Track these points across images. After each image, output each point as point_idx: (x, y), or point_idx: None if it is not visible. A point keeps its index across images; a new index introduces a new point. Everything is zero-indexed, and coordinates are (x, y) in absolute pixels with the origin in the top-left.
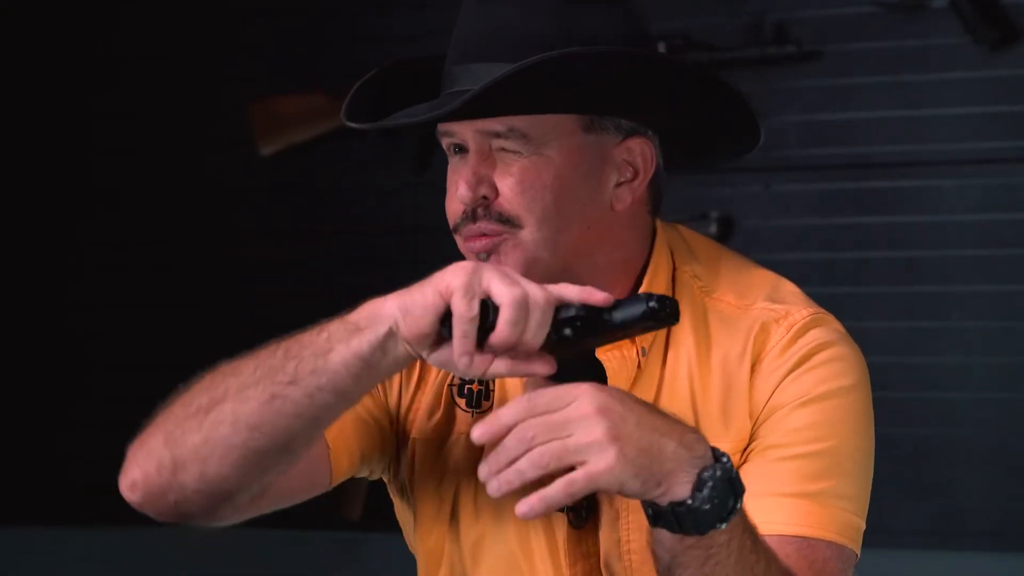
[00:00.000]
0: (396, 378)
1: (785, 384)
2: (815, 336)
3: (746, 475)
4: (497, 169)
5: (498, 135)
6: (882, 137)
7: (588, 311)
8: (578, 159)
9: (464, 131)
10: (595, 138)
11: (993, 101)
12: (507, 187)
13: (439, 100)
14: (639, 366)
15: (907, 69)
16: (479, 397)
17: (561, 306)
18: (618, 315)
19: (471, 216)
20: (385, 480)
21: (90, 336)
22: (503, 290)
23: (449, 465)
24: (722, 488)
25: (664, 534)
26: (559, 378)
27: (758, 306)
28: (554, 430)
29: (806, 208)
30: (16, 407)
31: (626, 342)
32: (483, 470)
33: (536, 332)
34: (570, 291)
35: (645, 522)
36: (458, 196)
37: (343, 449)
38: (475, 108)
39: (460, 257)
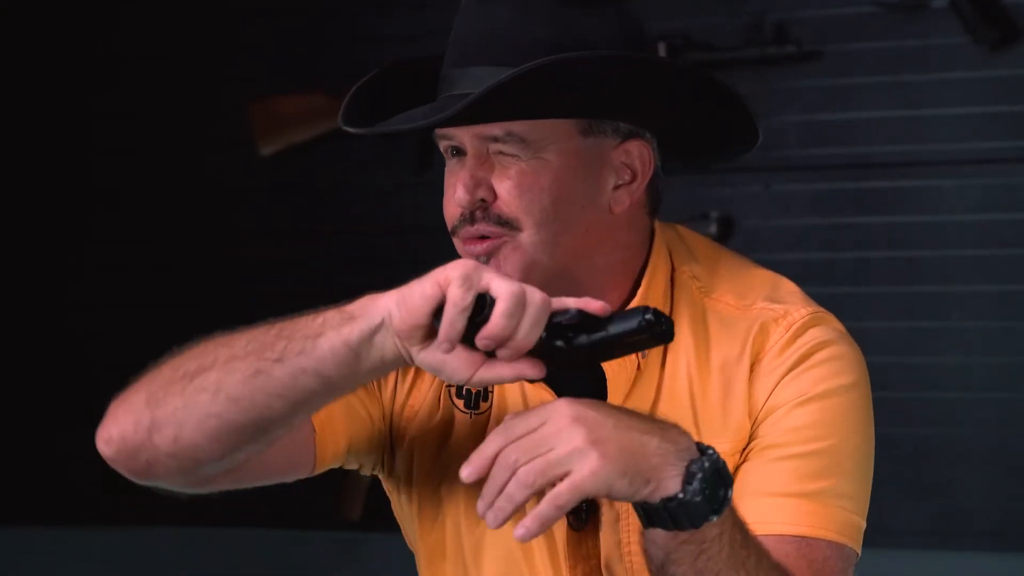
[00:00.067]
0: (392, 374)
1: (784, 383)
2: (814, 335)
3: (745, 475)
4: (495, 172)
5: (496, 139)
6: (882, 137)
7: (583, 318)
8: (576, 162)
9: (462, 135)
10: (593, 141)
11: (993, 101)
12: (505, 190)
13: (437, 103)
14: (638, 367)
15: (907, 69)
16: (477, 398)
17: (557, 312)
18: (613, 327)
19: (469, 219)
20: (380, 477)
21: (90, 336)
22: (502, 284)
23: (449, 467)
24: (712, 478)
25: (657, 532)
26: (559, 390)
27: (757, 306)
28: (534, 449)
29: (806, 208)
30: (16, 407)
31: None
32: (480, 506)
33: (529, 330)
34: (568, 301)
35: None
36: (455, 199)
37: (329, 436)
38: (473, 113)
39: (460, 257)
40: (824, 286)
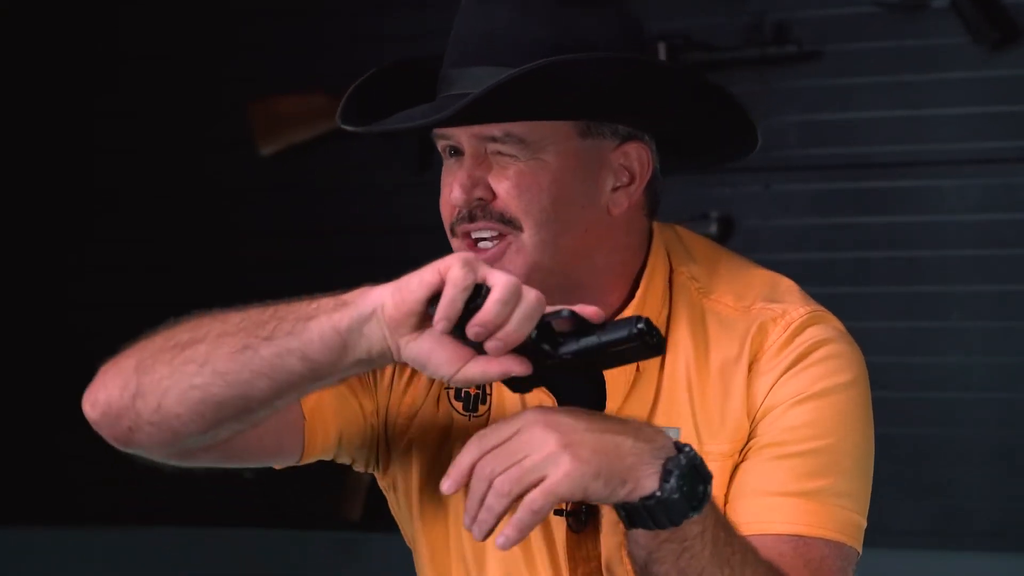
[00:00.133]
0: (388, 371)
1: (782, 382)
2: (812, 334)
3: (743, 474)
4: (493, 172)
5: (494, 139)
6: (882, 137)
7: (576, 321)
8: (575, 164)
9: (459, 134)
10: (592, 143)
11: (993, 101)
12: (504, 190)
13: (435, 103)
14: (637, 368)
15: (907, 69)
16: (476, 401)
17: (550, 313)
18: (604, 334)
19: (468, 217)
20: (376, 475)
21: (90, 336)
22: (499, 274)
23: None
24: (689, 475)
25: (639, 532)
26: (557, 393)
27: (756, 307)
28: (509, 458)
29: (806, 208)
30: (16, 407)
31: None
32: (465, 519)
33: (520, 323)
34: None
35: None
36: (452, 199)
37: (319, 424)
38: (472, 113)
39: None
40: (824, 286)
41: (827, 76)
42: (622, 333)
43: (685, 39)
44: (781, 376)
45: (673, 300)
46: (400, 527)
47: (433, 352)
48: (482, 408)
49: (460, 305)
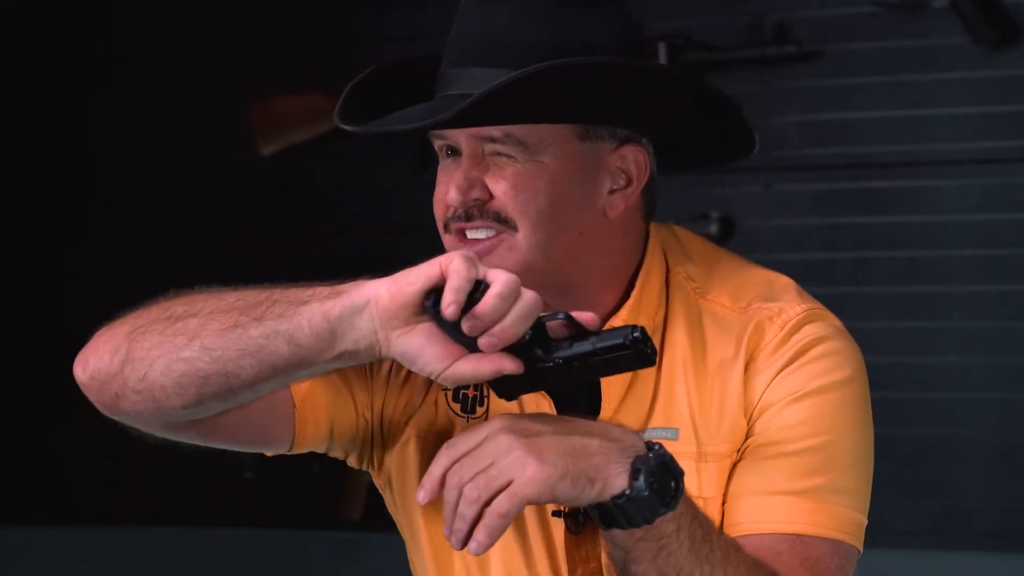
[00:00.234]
0: (385, 366)
1: (778, 380)
2: (809, 332)
3: (740, 473)
4: (490, 173)
5: (493, 139)
6: (882, 137)
7: (572, 325)
8: (572, 166)
9: (458, 135)
10: (590, 146)
11: (993, 101)
12: (501, 191)
13: (434, 103)
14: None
15: (907, 69)
16: (473, 403)
17: (545, 315)
18: (598, 340)
19: (464, 216)
20: (371, 473)
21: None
22: (499, 272)
23: None
24: (659, 472)
25: (616, 533)
26: (555, 395)
27: (753, 306)
28: (476, 464)
29: (806, 208)
30: (16, 407)
31: None
32: (444, 529)
33: (516, 320)
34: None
35: None
36: (447, 199)
37: (310, 413)
38: (471, 116)
39: None
40: (824, 286)
41: (827, 76)
42: (617, 340)
43: (685, 39)
44: (777, 374)
45: (670, 300)
46: (397, 524)
47: (425, 347)
48: (480, 410)
49: (465, 294)
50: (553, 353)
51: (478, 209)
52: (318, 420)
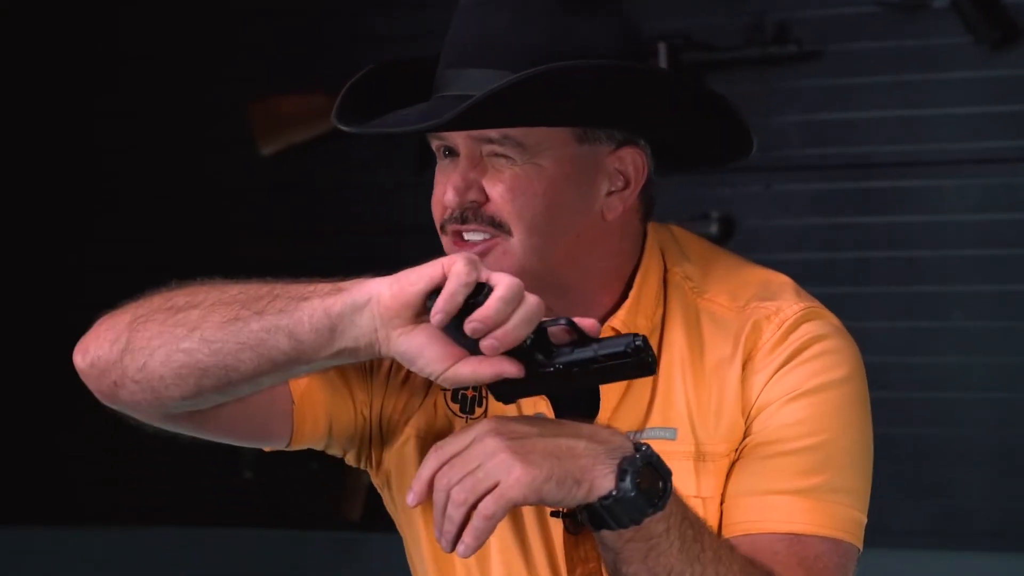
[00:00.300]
0: (385, 364)
1: (776, 379)
2: (807, 330)
3: (739, 473)
4: (487, 175)
5: (491, 141)
6: (882, 137)
7: (573, 331)
8: (570, 169)
9: (455, 136)
10: (588, 148)
11: (993, 101)
12: (497, 193)
13: (432, 104)
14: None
15: (907, 69)
16: (472, 404)
17: (547, 320)
18: (600, 346)
19: (460, 218)
20: (369, 472)
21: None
22: (503, 276)
23: None
24: (646, 472)
25: (606, 534)
26: (557, 407)
27: (751, 306)
28: (463, 467)
29: (806, 208)
30: (16, 407)
31: None
32: (435, 532)
33: (519, 323)
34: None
35: None
36: (444, 200)
37: (308, 410)
38: (470, 118)
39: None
40: (824, 286)
41: (827, 76)
42: (619, 348)
43: (685, 39)
44: (775, 373)
45: (667, 300)
46: (395, 522)
47: (425, 347)
48: (478, 411)
49: (460, 300)
50: (554, 358)
51: (473, 212)
52: (316, 417)
